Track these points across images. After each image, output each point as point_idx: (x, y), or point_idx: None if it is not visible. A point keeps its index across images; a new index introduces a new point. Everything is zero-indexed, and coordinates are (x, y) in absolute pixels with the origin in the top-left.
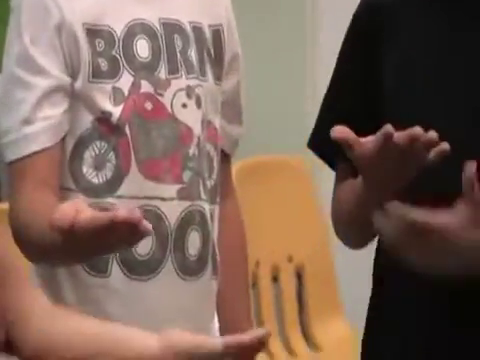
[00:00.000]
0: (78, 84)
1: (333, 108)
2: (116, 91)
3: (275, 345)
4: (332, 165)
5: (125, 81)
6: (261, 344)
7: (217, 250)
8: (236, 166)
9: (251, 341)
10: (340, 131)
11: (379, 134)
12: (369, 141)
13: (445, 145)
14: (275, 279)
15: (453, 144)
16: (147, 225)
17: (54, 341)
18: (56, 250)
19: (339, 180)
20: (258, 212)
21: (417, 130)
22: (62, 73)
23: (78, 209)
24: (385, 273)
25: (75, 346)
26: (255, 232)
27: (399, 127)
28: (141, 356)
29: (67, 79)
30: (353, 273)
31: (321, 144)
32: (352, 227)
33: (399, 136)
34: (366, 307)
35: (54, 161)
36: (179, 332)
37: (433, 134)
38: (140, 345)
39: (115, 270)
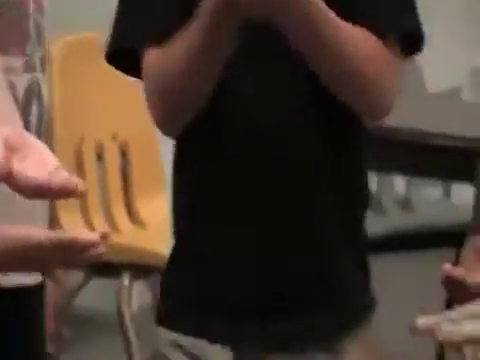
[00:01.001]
0: None
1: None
2: None
3: (100, 222)
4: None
5: None
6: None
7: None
8: (60, 42)
9: (83, 242)
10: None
11: None
12: None
13: None
14: (99, 157)
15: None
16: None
17: None
18: None
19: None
20: (82, 89)
21: None
22: None
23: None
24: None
25: None
26: (79, 109)
27: None
28: None
29: None
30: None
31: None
32: (193, 79)
33: None
34: None
35: None
36: (5, 227)
37: None
38: None
39: None
